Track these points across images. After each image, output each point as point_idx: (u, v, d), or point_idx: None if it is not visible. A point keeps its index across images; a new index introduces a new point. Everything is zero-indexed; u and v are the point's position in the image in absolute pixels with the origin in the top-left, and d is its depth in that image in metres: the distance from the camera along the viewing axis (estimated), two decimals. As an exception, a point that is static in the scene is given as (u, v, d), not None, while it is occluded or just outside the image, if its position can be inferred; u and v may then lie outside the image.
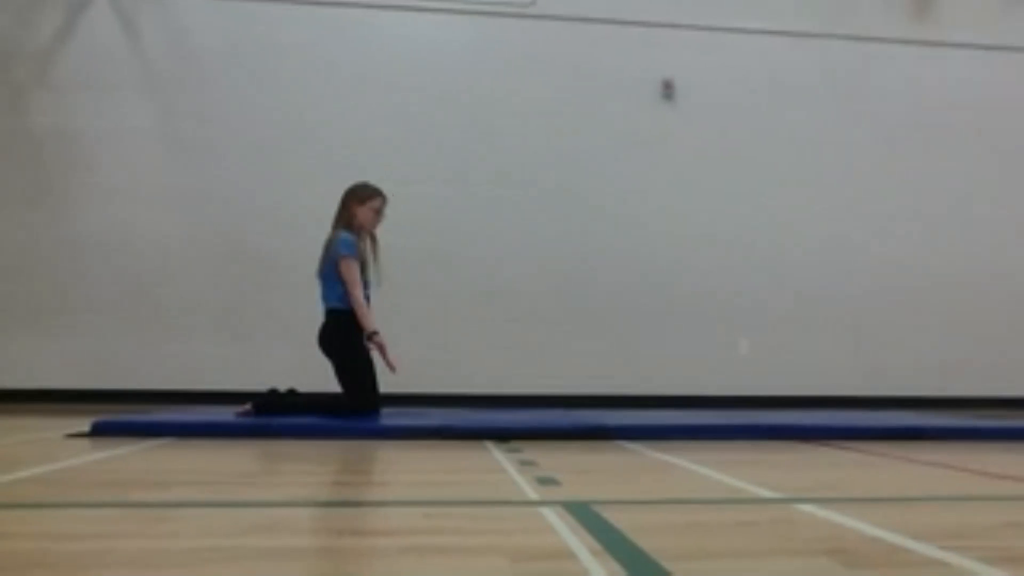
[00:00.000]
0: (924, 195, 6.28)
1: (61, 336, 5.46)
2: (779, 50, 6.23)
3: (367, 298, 3.88)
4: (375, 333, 3.74)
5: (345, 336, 3.76)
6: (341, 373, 3.78)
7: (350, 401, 3.72)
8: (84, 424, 3.39)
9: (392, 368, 3.75)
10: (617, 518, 1.59)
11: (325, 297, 3.85)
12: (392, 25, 5.93)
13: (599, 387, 5.72)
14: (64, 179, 5.59)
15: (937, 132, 6.32)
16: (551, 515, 1.63)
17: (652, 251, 5.98)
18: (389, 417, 3.81)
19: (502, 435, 3.35)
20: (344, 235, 3.83)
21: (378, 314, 3.95)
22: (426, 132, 5.88)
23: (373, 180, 5.76)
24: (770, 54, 6.23)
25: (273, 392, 3.77)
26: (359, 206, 3.92)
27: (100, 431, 3.28)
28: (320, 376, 3.86)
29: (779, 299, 6.05)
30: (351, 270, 3.75)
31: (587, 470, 2.50)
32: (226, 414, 3.66)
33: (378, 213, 3.97)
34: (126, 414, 4.07)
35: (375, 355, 3.83)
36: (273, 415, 3.58)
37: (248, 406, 3.65)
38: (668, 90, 6.10)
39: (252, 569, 1.22)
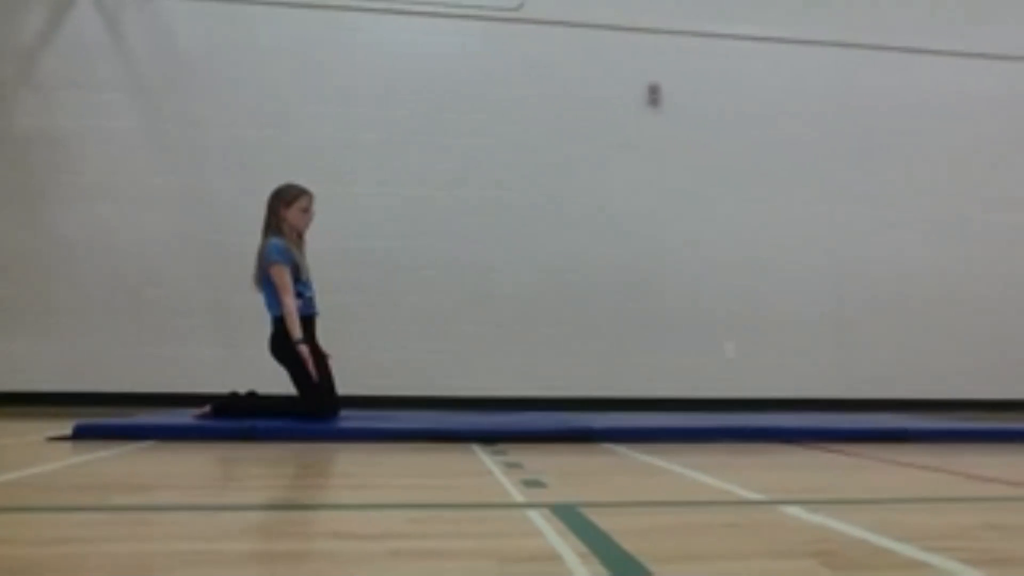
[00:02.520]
0: (912, 200, 6.33)
1: (47, 338, 5.40)
2: (766, 56, 6.27)
3: (309, 299, 3.89)
4: (300, 342, 3.69)
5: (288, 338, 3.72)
6: (296, 378, 3.77)
7: (308, 404, 3.71)
8: (67, 427, 3.36)
9: (312, 377, 3.71)
10: (603, 520, 1.59)
11: (268, 306, 3.83)
12: (380, 28, 5.92)
13: (592, 390, 5.73)
14: (49, 179, 5.53)
15: (926, 139, 6.38)
16: (537, 518, 1.63)
17: (640, 255, 5.99)
18: (374, 420, 3.80)
19: (488, 438, 3.34)
20: (274, 241, 3.79)
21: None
22: (415, 136, 5.86)
23: (361, 183, 5.78)
24: (757, 60, 6.27)
25: (233, 395, 3.76)
26: (286, 209, 3.87)
27: (82, 434, 3.25)
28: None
29: (767, 302, 6.08)
30: (282, 276, 3.72)
31: (573, 472, 2.50)
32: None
33: (306, 212, 3.92)
34: (109, 417, 4.04)
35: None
36: (231, 418, 3.58)
37: (207, 408, 3.67)
38: (654, 95, 6.12)
39: (236, 573, 1.21)
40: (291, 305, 3.71)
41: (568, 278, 5.90)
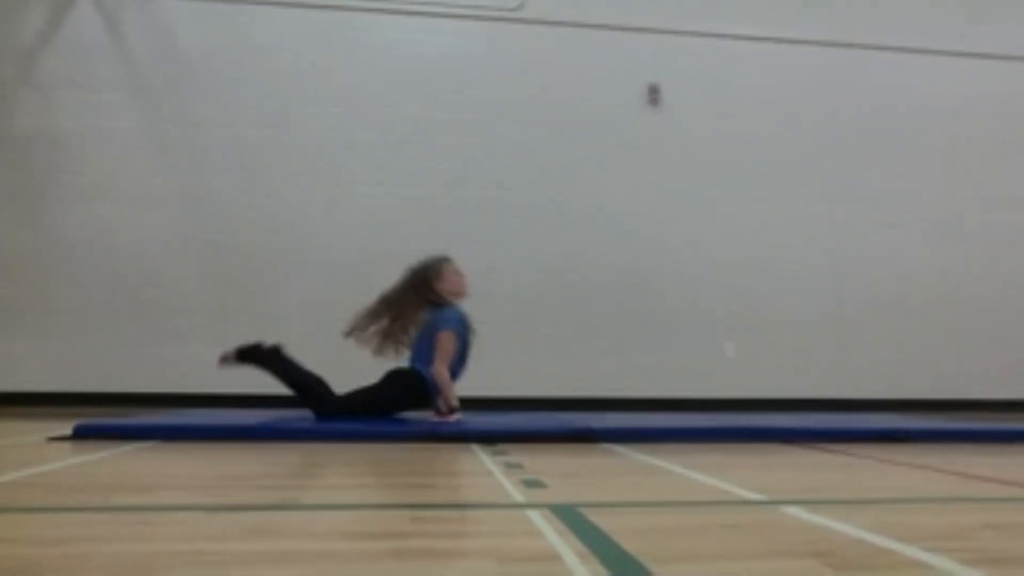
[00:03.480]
0: (912, 201, 6.33)
1: (47, 338, 5.41)
2: (766, 56, 6.28)
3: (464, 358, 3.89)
4: (456, 409, 3.69)
5: (407, 392, 3.75)
6: (366, 391, 3.76)
7: (330, 403, 3.69)
8: (67, 427, 3.36)
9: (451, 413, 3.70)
10: (603, 521, 1.58)
11: (418, 359, 3.83)
12: (380, 28, 5.93)
13: (592, 390, 5.73)
14: (49, 179, 5.54)
15: (926, 139, 6.39)
16: (537, 518, 1.63)
17: (640, 255, 5.99)
18: (374, 420, 3.80)
19: (488, 438, 3.34)
20: (450, 310, 3.80)
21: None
22: (415, 136, 5.86)
23: (361, 183, 5.76)
24: (756, 60, 6.27)
25: (257, 345, 3.74)
26: (440, 281, 3.86)
27: (82, 434, 3.25)
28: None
29: (767, 302, 6.08)
30: (451, 343, 3.73)
31: (573, 473, 2.50)
32: (208, 417, 3.64)
33: (459, 274, 3.93)
34: (109, 417, 4.04)
35: None
36: (254, 364, 3.64)
37: (231, 351, 3.74)
38: (654, 95, 6.12)
39: (236, 573, 1.21)
40: (446, 373, 3.71)
41: (568, 278, 5.90)
